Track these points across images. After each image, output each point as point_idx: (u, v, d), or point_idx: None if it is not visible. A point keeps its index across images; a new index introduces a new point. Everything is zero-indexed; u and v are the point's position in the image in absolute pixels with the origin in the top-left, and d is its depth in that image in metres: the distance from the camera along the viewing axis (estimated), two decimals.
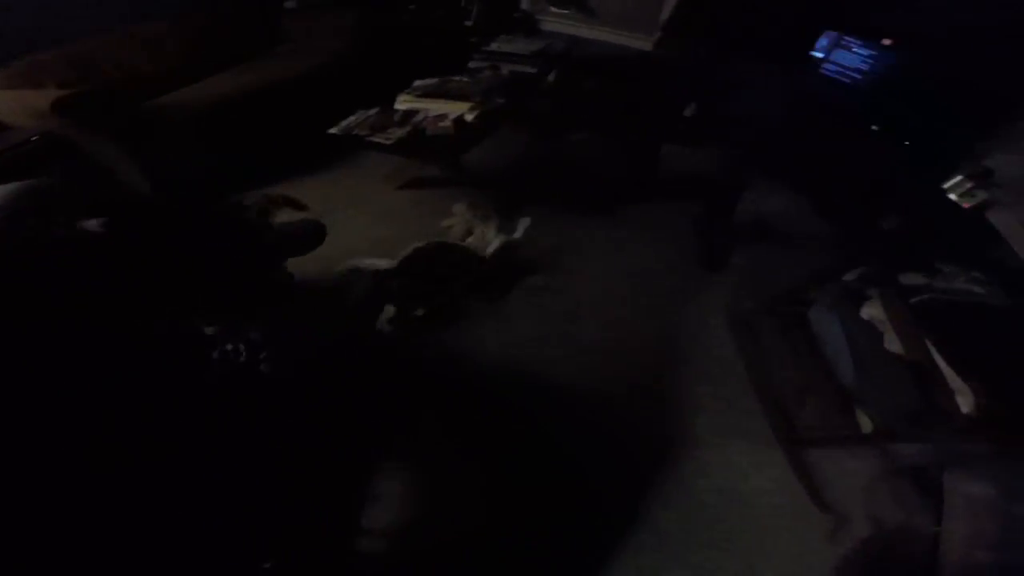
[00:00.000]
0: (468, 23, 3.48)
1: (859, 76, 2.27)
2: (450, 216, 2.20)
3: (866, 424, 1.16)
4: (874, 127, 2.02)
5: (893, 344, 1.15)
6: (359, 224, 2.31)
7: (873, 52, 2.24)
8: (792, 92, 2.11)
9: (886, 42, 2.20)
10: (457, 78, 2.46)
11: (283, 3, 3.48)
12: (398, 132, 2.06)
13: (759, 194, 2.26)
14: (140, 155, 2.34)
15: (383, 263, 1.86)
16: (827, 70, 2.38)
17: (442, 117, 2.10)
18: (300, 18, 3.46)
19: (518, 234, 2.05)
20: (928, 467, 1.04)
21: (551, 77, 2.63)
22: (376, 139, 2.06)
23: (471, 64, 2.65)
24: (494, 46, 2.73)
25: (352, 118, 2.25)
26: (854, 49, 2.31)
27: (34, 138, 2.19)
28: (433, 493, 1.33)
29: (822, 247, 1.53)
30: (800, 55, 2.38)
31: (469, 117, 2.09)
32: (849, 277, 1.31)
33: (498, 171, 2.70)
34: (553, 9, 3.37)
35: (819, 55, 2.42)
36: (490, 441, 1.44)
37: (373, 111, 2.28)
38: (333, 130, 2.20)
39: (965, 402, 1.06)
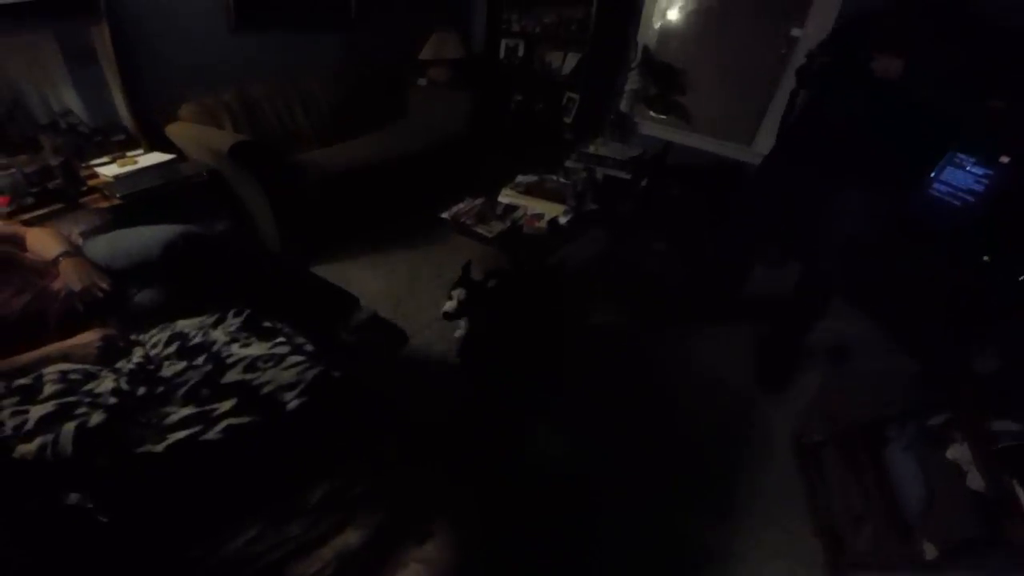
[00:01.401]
0: (567, 120, 3.81)
1: (971, 198, 2.14)
2: None
3: (929, 551, 1.12)
4: (984, 257, 1.91)
5: (975, 482, 1.12)
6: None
7: (988, 171, 2.10)
8: (896, 215, 2.04)
9: (1004, 159, 2.06)
10: (555, 177, 2.73)
11: (417, 80, 3.87)
12: (499, 226, 2.32)
13: (841, 320, 2.20)
14: (278, 207, 2.53)
15: None
16: (936, 190, 2.26)
17: (538, 217, 2.35)
18: (425, 95, 3.72)
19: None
20: None
21: (643, 183, 2.81)
22: (479, 230, 2.33)
23: (568, 164, 2.93)
24: (591, 148, 3.00)
25: (461, 205, 2.51)
26: (968, 168, 2.17)
27: (204, 174, 2.42)
28: None
29: (904, 382, 1.49)
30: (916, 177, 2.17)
31: (563, 220, 2.32)
32: (934, 421, 1.27)
33: (575, 268, 2.85)
34: (651, 113, 3.61)
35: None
36: (539, 537, 1.49)
37: (479, 200, 2.58)
38: (444, 215, 2.46)
39: None
